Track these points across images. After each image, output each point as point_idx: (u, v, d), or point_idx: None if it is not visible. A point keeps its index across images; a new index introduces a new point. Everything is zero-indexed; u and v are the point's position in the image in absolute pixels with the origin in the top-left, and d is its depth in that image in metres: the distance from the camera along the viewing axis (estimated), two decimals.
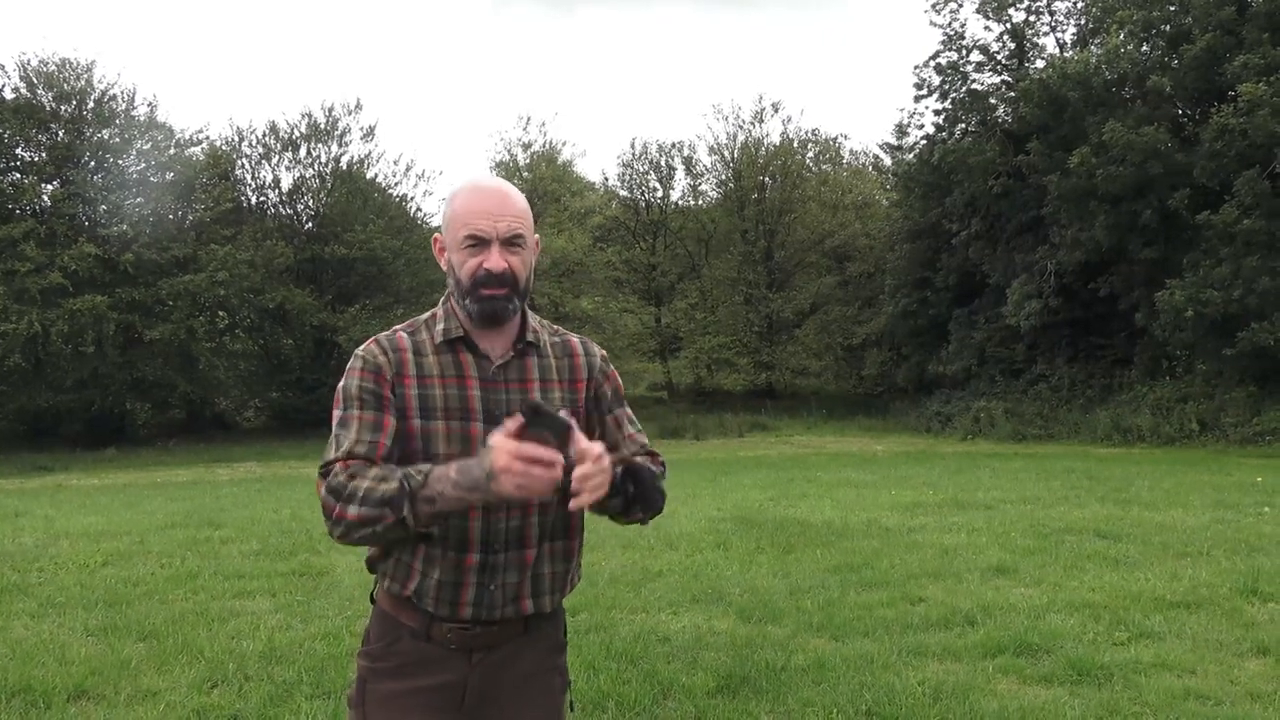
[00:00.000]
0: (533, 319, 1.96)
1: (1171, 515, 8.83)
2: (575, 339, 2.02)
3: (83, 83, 24.98)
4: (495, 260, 1.82)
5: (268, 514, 10.03)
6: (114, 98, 25.41)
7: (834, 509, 9.68)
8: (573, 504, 1.64)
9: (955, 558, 6.96)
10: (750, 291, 33.73)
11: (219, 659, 4.66)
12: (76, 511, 10.73)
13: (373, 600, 1.98)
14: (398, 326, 1.96)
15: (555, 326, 2.03)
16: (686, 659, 4.64)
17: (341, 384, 1.87)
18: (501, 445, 1.59)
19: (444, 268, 1.91)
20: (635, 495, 1.84)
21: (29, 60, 24.73)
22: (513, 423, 1.61)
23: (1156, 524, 8.31)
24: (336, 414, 1.84)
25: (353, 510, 1.71)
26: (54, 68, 24.78)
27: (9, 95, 24.40)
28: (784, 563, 6.92)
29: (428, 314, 1.95)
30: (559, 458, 1.59)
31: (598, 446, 1.66)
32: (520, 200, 1.89)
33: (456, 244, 1.85)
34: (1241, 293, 18.42)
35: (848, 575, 6.42)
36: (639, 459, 1.94)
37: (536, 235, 1.95)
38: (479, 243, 1.83)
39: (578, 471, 1.62)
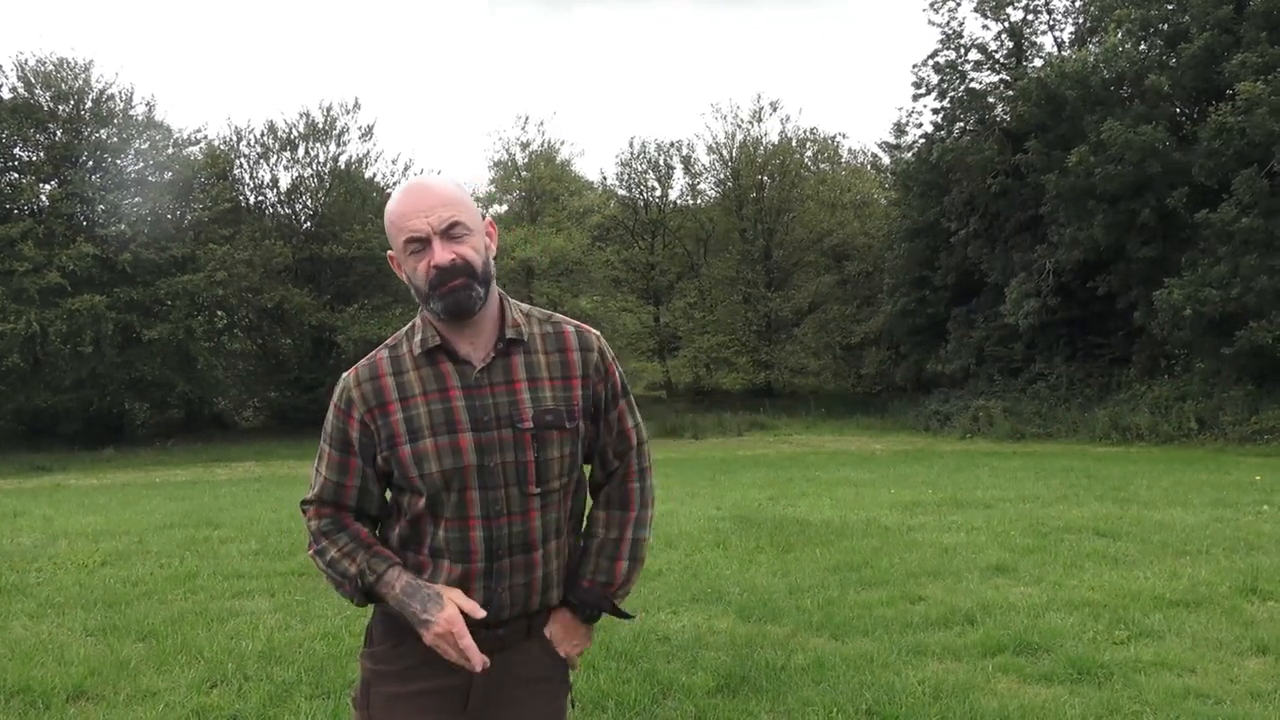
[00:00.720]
0: (515, 311, 1.89)
1: (1170, 514, 8.83)
2: (570, 329, 1.92)
3: (80, 82, 24.97)
4: (439, 255, 1.77)
5: (266, 514, 10.02)
6: (111, 97, 25.41)
7: (833, 508, 9.67)
8: None
9: (954, 556, 6.96)
10: (749, 290, 33.75)
11: (218, 659, 4.65)
12: (75, 511, 10.71)
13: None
14: (383, 344, 1.94)
15: (548, 313, 1.95)
16: (686, 658, 4.63)
17: (327, 416, 1.93)
18: (454, 614, 1.79)
19: (405, 281, 1.87)
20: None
21: (26, 60, 24.77)
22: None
23: (1155, 522, 8.31)
24: (320, 443, 1.93)
25: (320, 563, 1.91)
26: (51, 67, 24.77)
27: (6, 95, 24.42)
28: (783, 562, 6.92)
29: (409, 325, 1.92)
30: (478, 663, 1.80)
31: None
32: (449, 189, 1.82)
33: (402, 252, 1.81)
34: (1240, 291, 18.44)
35: (847, 574, 6.42)
36: (608, 581, 2.00)
37: (488, 219, 1.89)
38: (420, 243, 1.79)
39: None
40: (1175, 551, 7.02)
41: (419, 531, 1.87)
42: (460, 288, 1.77)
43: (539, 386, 1.86)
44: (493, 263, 1.86)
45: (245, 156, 28.41)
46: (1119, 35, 21.73)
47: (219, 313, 27.48)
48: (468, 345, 1.85)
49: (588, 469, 2.01)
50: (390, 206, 1.83)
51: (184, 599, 6.02)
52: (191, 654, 4.74)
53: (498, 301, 1.88)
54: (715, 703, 4.06)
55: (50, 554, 7.63)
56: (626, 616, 2.08)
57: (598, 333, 1.98)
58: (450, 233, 1.78)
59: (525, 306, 1.94)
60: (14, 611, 5.71)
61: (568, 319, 1.96)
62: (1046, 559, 6.82)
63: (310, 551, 1.91)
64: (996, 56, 27.02)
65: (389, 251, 1.88)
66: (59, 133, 24.70)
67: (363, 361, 1.91)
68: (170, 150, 26.14)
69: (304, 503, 1.93)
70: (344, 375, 1.91)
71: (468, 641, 1.78)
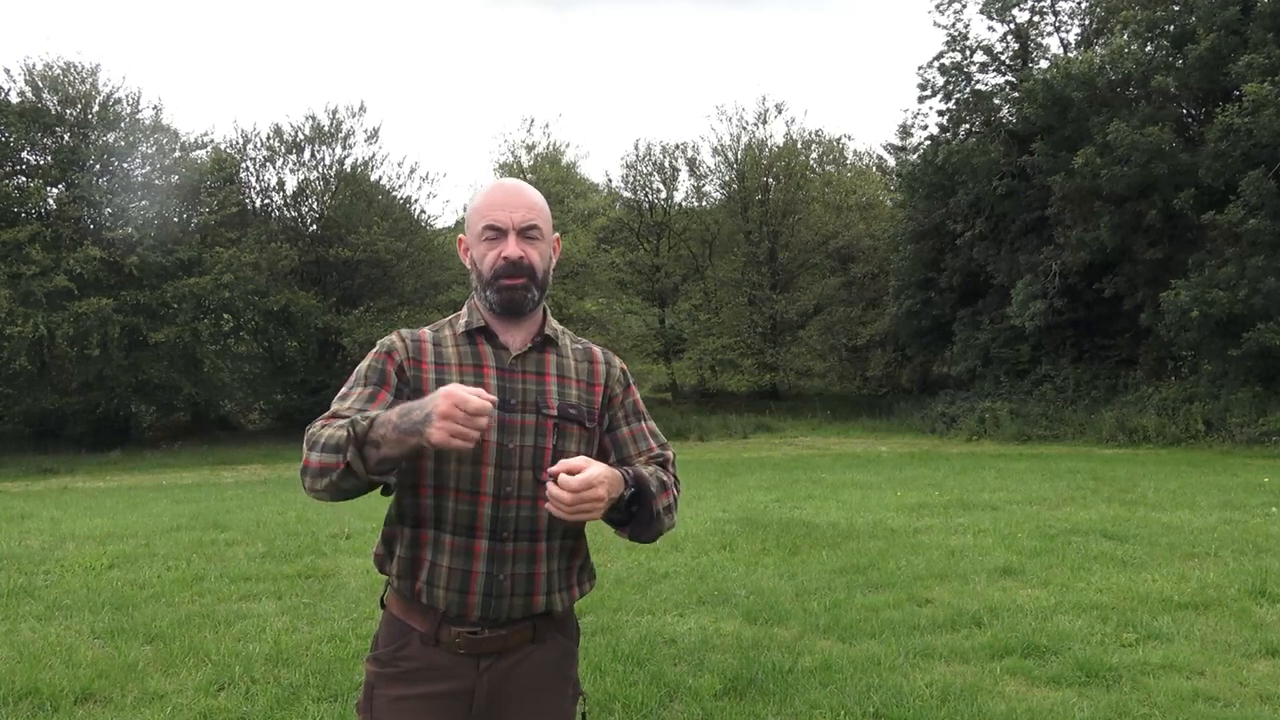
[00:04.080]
0: (553, 321, 2.04)
1: (1178, 516, 8.81)
2: (598, 349, 2.09)
3: (87, 86, 25.02)
4: (512, 248, 1.91)
5: (273, 516, 10.04)
6: (119, 101, 25.46)
7: (839, 510, 9.67)
8: (550, 508, 1.74)
9: (961, 559, 6.95)
10: (754, 293, 33.73)
11: (225, 662, 4.66)
12: (82, 514, 10.74)
13: (383, 605, 1.99)
14: (427, 325, 2.05)
15: (578, 337, 2.11)
16: (693, 661, 4.63)
17: (357, 367, 1.96)
18: (450, 391, 1.63)
19: (468, 265, 1.99)
20: (634, 520, 1.90)
21: (34, 64, 24.80)
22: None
23: (1163, 525, 8.29)
24: (341, 390, 1.91)
25: (314, 457, 1.74)
26: (59, 71, 24.81)
27: (14, 99, 24.43)
28: (790, 564, 6.91)
29: (454, 314, 2.05)
30: (489, 411, 1.62)
31: (589, 475, 1.72)
32: (536, 195, 1.98)
33: (476, 237, 1.94)
34: (1247, 293, 18.38)
35: (854, 577, 6.41)
36: (653, 484, 1.93)
37: (556, 235, 2.04)
38: (497, 233, 1.92)
39: (554, 491, 1.71)
40: (1183, 554, 7.01)
41: (423, 504, 1.89)
42: (519, 287, 1.92)
43: (566, 384, 1.98)
44: (551, 273, 2.00)
45: (251, 160, 28.44)
46: (1125, 36, 21.68)
47: (225, 315, 27.48)
48: (508, 334, 1.97)
49: None
50: (481, 196, 1.97)
51: (191, 602, 6.04)
52: (199, 656, 4.75)
53: (543, 308, 2.03)
54: (722, 705, 4.06)
55: (58, 556, 7.65)
56: (650, 509, 1.90)
57: (621, 359, 2.13)
58: (527, 233, 1.93)
59: (561, 325, 2.08)
60: (22, 614, 5.73)
61: (593, 344, 2.12)
62: (1054, 561, 6.81)
63: (304, 463, 1.76)
64: (1002, 58, 26.97)
65: (460, 235, 2.02)
66: (66, 136, 24.75)
67: (406, 329, 2.02)
68: (177, 154, 26.18)
69: (310, 424, 1.84)
70: (386, 336, 1.99)
71: (477, 404, 1.62)
